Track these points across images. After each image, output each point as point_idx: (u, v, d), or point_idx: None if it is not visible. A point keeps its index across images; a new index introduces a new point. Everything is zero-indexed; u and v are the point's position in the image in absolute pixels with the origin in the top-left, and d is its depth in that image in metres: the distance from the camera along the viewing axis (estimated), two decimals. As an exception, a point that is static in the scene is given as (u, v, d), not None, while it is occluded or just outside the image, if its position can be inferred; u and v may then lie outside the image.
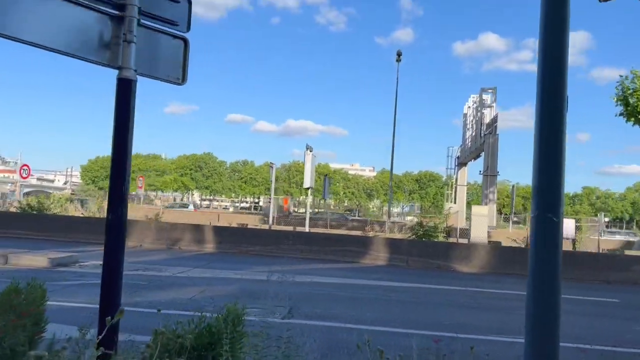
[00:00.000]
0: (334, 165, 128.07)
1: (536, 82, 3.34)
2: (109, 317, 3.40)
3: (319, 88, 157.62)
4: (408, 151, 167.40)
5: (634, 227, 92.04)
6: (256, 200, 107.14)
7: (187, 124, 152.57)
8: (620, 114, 17.11)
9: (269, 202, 42.39)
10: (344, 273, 13.16)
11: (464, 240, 19.41)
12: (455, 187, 37.64)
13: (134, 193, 45.56)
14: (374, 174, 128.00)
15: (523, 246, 17.99)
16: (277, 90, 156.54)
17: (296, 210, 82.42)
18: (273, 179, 19.84)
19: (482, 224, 18.47)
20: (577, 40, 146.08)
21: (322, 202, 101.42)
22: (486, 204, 29.00)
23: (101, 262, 3.61)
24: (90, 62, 3.75)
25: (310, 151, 18.14)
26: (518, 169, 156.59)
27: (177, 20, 4.17)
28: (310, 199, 20.03)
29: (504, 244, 18.87)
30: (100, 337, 3.52)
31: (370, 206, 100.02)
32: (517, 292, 11.81)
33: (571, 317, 9.38)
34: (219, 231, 16.53)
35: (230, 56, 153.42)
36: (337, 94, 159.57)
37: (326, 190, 27.84)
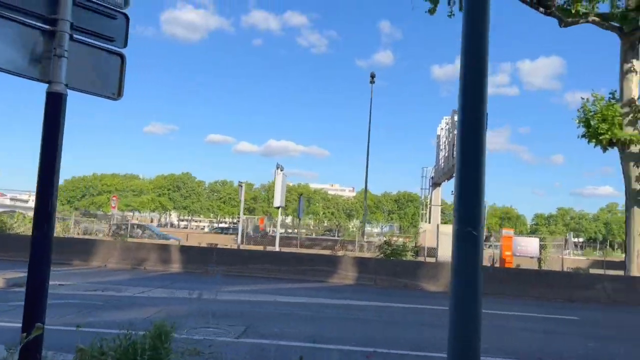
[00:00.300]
0: (314, 186, 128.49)
1: (457, 100, 3.45)
2: (25, 334, 3.34)
3: (301, 109, 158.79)
4: (388, 172, 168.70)
5: (608, 247, 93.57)
6: (235, 221, 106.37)
7: (167, 144, 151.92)
8: (583, 136, 17.59)
9: (246, 221, 42.16)
10: (311, 292, 13.09)
11: (432, 259, 19.54)
12: (430, 207, 37.96)
13: (109, 213, 44.90)
14: (354, 194, 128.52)
15: (488, 265, 18.20)
16: (259, 111, 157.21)
17: (275, 230, 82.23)
18: (242, 198, 19.79)
19: (450, 243, 18.56)
20: (552, 66, 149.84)
21: (300, 222, 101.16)
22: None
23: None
24: (20, 76, 3.75)
25: (281, 170, 18.19)
26: (493, 190, 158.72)
27: (113, 36, 4.20)
28: (280, 218, 19.97)
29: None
30: (19, 354, 3.45)
31: (350, 226, 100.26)
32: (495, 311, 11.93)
33: (528, 334, 9.49)
34: (186, 251, 16.36)
35: (211, 77, 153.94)
36: (319, 115, 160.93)
37: (301, 210, 27.88)
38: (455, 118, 28.28)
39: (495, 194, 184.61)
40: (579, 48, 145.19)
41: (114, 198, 38.53)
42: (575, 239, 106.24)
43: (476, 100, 3.37)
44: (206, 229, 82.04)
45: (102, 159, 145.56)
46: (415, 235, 20.59)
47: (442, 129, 35.40)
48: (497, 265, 19.07)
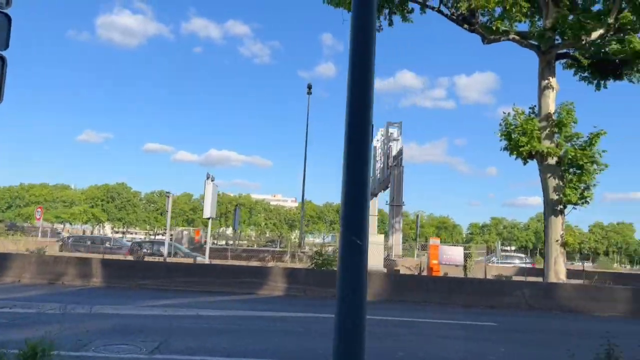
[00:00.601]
0: (256, 196, 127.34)
1: (345, 111, 3.45)
2: None
3: (243, 119, 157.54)
4: (330, 182, 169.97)
5: (538, 254, 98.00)
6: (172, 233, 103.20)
7: (101, 153, 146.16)
8: (505, 148, 18.36)
9: (181, 233, 41.05)
10: (236, 305, 12.86)
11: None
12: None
13: (36, 225, 42.40)
14: (296, 204, 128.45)
15: (416, 273, 18.60)
16: (200, 120, 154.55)
17: (215, 242, 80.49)
18: (169, 208, 19.23)
19: (378, 253, 18.93)
20: (487, 81, 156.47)
21: (238, 233, 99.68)
22: (393, 234, 29.83)
23: None
24: None
25: (212, 180, 17.85)
26: (431, 200, 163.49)
27: (-11, 37, 3.95)
28: (221, 229, 19.53)
29: (402, 272, 19.39)
30: None
31: (292, 237, 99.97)
32: (402, 318, 12.10)
33: (444, 340, 9.71)
34: (108, 264, 15.66)
35: (149, 84, 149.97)
36: (262, 126, 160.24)
37: (237, 221, 27.46)
38: (390, 130, 28.91)
39: (433, 204, 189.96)
40: (510, 64, 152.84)
41: (39, 209, 36.49)
42: (508, 247, 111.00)
43: (362, 111, 3.39)
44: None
45: (30, 168, 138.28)
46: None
47: (377, 140, 36.06)
48: (424, 273, 19.53)
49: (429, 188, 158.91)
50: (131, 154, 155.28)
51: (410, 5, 18.32)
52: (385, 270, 18.86)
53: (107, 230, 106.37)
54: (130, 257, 22.26)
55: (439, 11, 17.96)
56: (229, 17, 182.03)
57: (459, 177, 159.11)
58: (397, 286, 15.57)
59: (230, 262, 21.60)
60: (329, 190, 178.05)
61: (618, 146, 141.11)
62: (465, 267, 18.34)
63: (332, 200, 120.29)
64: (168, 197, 19.26)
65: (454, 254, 19.11)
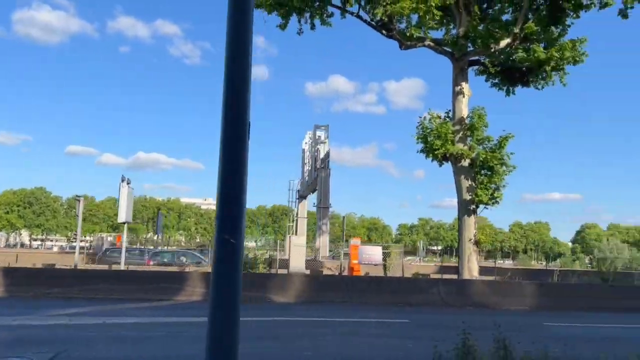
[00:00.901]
0: (186, 200, 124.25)
1: (221, 110, 3.41)
2: None
3: (174, 121, 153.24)
4: (263, 185, 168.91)
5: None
6: (94, 239, 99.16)
7: (18, 155, 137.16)
8: (421, 151, 19.01)
9: (101, 239, 39.29)
10: (147, 312, 12.45)
11: (284, 271, 19.76)
12: (296, 220, 38.53)
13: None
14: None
15: (336, 274, 18.87)
16: (127, 122, 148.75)
17: (143, 248, 77.73)
18: (79, 213, 18.31)
19: (300, 254, 19.04)
20: (415, 87, 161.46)
21: (170, 238, 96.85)
22: (320, 235, 30.10)
23: None
24: None
25: (128, 183, 17.20)
26: (363, 202, 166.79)
27: None
28: (125, 234, 18.88)
29: (327, 273, 19.62)
30: None
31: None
32: (320, 318, 12.21)
33: (356, 338, 9.88)
34: (11, 273, 14.70)
35: (72, 83, 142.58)
36: (193, 128, 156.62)
37: (159, 226, 26.67)
38: (317, 133, 29.14)
39: (365, 206, 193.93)
40: (435, 70, 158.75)
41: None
42: (435, 247, 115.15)
43: (239, 110, 3.37)
44: (55, 249, 74.93)
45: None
46: (266, 247, 20.66)
47: (306, 143, 36.33)
48: (345, 273, 19.86)
49: (361, 190, 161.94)
50: (52, 157, 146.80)
51: (330, 9, 18.62)
52: (307, 271, 18.99)
53: (25, 237, 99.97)
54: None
55: (359, 16, 18.36)
56: (157, 16, 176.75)
57: (389, 180, 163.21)
58: (317, 287, 15.71)
59: (144, 268, 20.90)
60: (262, 194, 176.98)
61: (537, 150, 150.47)
62: (385, 266, 18.83)
63: (265, 203, 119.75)
64: (78, 201, 18.32)
65: (373, 253, 19.56)
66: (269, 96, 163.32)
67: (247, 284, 15.37)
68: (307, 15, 18.44)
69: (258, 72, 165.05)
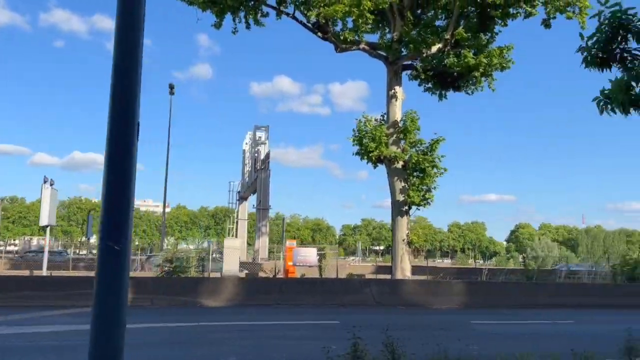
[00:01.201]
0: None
1: (108, 110, 3.23)
2: None
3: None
4: (206, 186, 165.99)
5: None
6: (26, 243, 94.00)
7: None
8: (357, 153, 19.20)
9: (28, 242, 37.24)
10: (72, 319, 11.84)
11: (217, 274, 19.42)
12: (237, 222, 38.06)
13: None
14: (169, 209, 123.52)
15: (271, 276, 18.77)
16: (61, 120, 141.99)
17: (77, 252, 74.33)
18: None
19: (234, 257, 18.78)
20: (359, 89, 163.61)
21: (90, 241, 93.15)
22: (259, 237, 29.84)
23: None
24: None
25: (51, 185, 16.35)
26: (310, 203, 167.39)
27: None
28: (47, 237, 17.93)
29: (263, 275, 19.44)
30: None
31: (165, 244, 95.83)
32: (249, 322, 12.03)
33: (282, 342, 9.78)
34: None
35: (2, 78, 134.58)
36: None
37: (89, 228, 25.49)
38: (257, 133, 28.77)
39: (310, 207, 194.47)
40: (378, 73, 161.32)
41: None
42: (377, 247, 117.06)
43: (127, 109, 3.22)
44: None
45: None
46: (201, 250, 20.27)
47: (246, 143, 35.94)
48: (280, 275, 19.75)
49: (306, 191, 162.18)
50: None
51: (265, 9, 18.50)
52: (243, 274, 18.74)
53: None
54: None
55: (294, 18, 18.33)
56: (95, 10, 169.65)
57: (334, 181, 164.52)
58: (251, 290, 15.52)
59: (71, 273, 19.96)
60: (205, 195, 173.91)
61: (474, 152, 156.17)
62: (320, 268, 18.88)
63: (208, 204, 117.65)
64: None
65: (308, 255, 19.58)
66: (213, 95, 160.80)
67: (178, 289, 15.03)
68: (242, 14, 18.23)
69: (201, 70, 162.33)
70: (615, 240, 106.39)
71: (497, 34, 19.43)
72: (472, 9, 18.62)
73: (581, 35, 5.51)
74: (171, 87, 28.65)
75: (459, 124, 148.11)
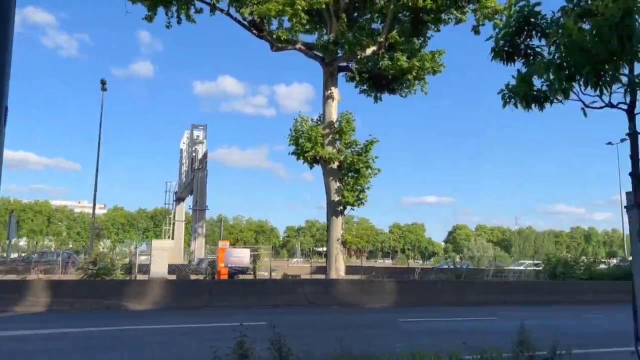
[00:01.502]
0: (58, 203, 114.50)
1: None
2: None
3: (45, 117, 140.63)
4: (146, 187, 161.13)
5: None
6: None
7: None
8: (293, 153, 19.11)
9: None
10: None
11: (144, 277, 18.79)
12: (173, 223, 37.07)
13: None
14: (105, 211, 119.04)
15: (202, 278, 18.36)
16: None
17: (4, 255, 70.08)
18: None
19: (163, 258, 18.23)
20: (304, 91, 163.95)
21: (38, 244, 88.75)
22: (195, 238, 29.16)
23: None
24: None
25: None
26: (254, 204, 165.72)
27: None
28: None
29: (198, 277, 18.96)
30: None
31: (100, 247, 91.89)
32: (165, 325, 11.62)
33: (186, 343, 9.50)
34: None
35: None
36: (67, 124, 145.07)
37: (11, 230, 24.06)
38: (195, 132, 28.05)
39: (254, 208, 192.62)
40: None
41: None
42: (321, 248, 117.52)
43: None
44: None
45: None
46: (128, 252, 19.50)
47: (184, 143, 35.08)
48: (212, 277, 19.35)
49: (250, 193, 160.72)
50: None
51: (199, 4, 18.10)
52: (174, 276, 18.19)
53: None
54: None
55: (229, 14, 18.02)
56: (28, 2, 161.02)
57: (279, 182, 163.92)
58: (179, 292, 15.07)
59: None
60: (144, 196, 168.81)
61: (416, 155, 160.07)
62: (254, 269, 18.63)
63: (147, 206, 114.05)
64: None
65: (241, 256, 19.28)
66: (154, 93, 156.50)
67: (101, 292, 14.37)
68: (174, 8, 17.73)
69: (142, 68, 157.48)
70: (545, 240, 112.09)
71: (429, 38, 19.96)
72: (406, 13, 18.99)
73: (494, 27, 5.63)
74: (103, 82, 27.52)
75: (402, 126, 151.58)
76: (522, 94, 5.13)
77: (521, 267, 30.68)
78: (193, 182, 30.56)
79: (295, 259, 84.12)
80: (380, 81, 20.43)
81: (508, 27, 5.31)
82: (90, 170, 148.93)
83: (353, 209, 19.16)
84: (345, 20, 18.26)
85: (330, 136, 19.22)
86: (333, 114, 19.46)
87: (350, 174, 19.07)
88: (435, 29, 19.82)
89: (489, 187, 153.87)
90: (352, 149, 19.35)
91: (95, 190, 27.46)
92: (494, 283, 20.83)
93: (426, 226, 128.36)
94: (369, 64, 19.94)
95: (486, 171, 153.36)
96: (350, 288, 16.99)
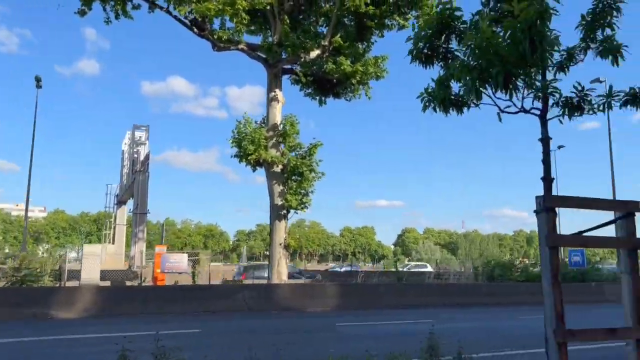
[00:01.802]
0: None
1: None
2: None
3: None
4: (90, 190, 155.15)
5: (297, 258, 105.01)
6: None
7: None
8: (235, 156, 18.76)
9: None
10: None
11: (75, 283, 17.95)
12: (114, 227, 35.74)
13: None
14: (45, 214, 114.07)
15: (136, 284, 17.72)
16: None
17: None
18: None
19: (94, 264, 17.47)
20: (257, 93, 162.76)
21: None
22: (136, 243, 28.20)
23: None
24: None
25: None
26: (204, 208, 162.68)
27: None
28: None
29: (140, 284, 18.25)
30: None
31: (39, 251, 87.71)
32: (94, 335, 11.07)
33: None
34: None
35: None
36: (6, 124, 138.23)
37: None
38: (137, 133, 27.08)
39: (202, 212, 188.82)
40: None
41: None
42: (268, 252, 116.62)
43: None
44: None
45: None
46: (58, 257, 18.55)
47: (125, 144, 33.92)
48: (148, 283, 18.67)
49: (200, 196, 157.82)
50: None
51: (136, 0, 17.46)
52: (108, 282, 17.41)
53: None
54: None
55: (168, 12, 17.47)
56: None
57: (229, 186, 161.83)
58: (113, 299, 14.45)
59: None
60: (87, 199, 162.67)
61: (368, 159, 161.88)
62: (193, 274, 18.13)
63: (90, 209, 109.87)
64: None
65: (178, 261, 18.73)
66: (100, 92, 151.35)
67: (26, 300, 13.55)
68: (112, 3, 17.03)
69: (87, 66, 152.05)
70: (490, 243, 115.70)
71: (373, 43, 20.11)
72: (351, 17, 19.05)
73: (412, 27, 5.59)
74: (37, 80, 26.16)
75: (356, 130, 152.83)
76: (441, 98, 5.11)
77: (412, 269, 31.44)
78: (134, 185, 29.54)
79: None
80: (324, 85, 20.39)
81: (426, 29, 5.28)
82: (34, 173, 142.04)
83: (297, 213, 19.01)
84: (289, 22, 18.12)
85: (274, 139, 18.99)
86: (277, 117, 19.25)
87: (293, 178, 18.89)
88: (379, 34, 20.00)
89: (438, 190, 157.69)
90: (296, 152, 19.19)
91: (28, 192, 26.07)
92: (435, 285, 21.17)
93: (376, 229, 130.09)
94: (314, 67, 19.86)
95: (435, 175, 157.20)
96: (292, 292, 16.81)
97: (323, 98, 21.05)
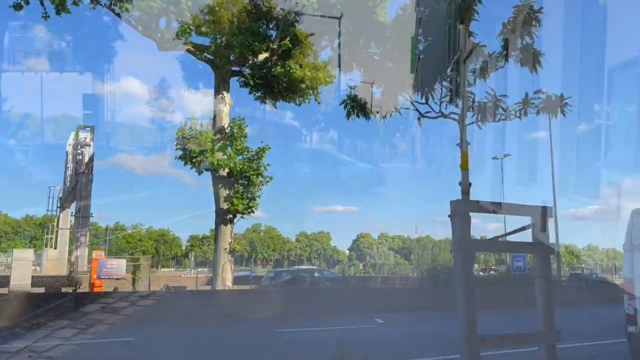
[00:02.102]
0: None
1: None
2: None
3: None
4: (34, 190, 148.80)
5: (252, 263, 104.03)
6: None
7: None
8: (180, 158, 18.32)
9: None
10: None
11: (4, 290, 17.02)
12: (57, 231, 34.21)
13: None
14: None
15: (70, 291, 16.98)
16: None
17: None
18: None
19: (26, 270, 16.65)
20: (212, 97, 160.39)
21: None
22: (78, 248, 27.13)
23: None
24: None
25: None
26: (157, 212, 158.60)
27: None
28: None
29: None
30: None
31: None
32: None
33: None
34: None
35: None
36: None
37: None
38: (81, 134, 25.97)
39: (155, 216, 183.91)
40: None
41: None
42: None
43: None
44: None
45: None
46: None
47: (70, 145, 32.61)
48: (83, 290, 17.95)
49: (153, 200, 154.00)
50: None
51: (75, -5, 16.79)
52: (42, 289, 16.59)
53: None
54: None
55: (111, 9, 16.90)
56: None
57: (183, 189, 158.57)
58: (41, 307, 13.72)
59: None
60: (32, 202, 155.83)
61: (329, 163, 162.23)
62: (133, 280, 17.51)
63: (35, 212, 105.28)
64: None
65: (115, 267, 18.09)
66: (50, 92, 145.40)
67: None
68: (49, -4, 16.32)
69: (36, 63, 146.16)
70: (441, 249, 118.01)
71: (323, 48, 20.11)
72: (300, 21, 18.98)
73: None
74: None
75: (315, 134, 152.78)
76: (363, 103, 5.07)
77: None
78: (77, 188, 28.41)
79: (188, 269, 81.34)
80: (273, 88, 20.22)
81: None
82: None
83: (243, 217, 18.69)
84: (237, 23, 17.87)
85: (221, 142, 18.65)
86: (224, 119, 18.94)
87: (240, 182, 18.60)
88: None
89: (392, 195, 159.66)
90: (244, 156, 18.91)
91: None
92: (381, 290, 21.30)
93: (332, 234, 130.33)
94: (263, 70, 19.67)
95: (389, 179, 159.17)
96: (236, 298, 16.48)
97: (273, 102, 20.87)
